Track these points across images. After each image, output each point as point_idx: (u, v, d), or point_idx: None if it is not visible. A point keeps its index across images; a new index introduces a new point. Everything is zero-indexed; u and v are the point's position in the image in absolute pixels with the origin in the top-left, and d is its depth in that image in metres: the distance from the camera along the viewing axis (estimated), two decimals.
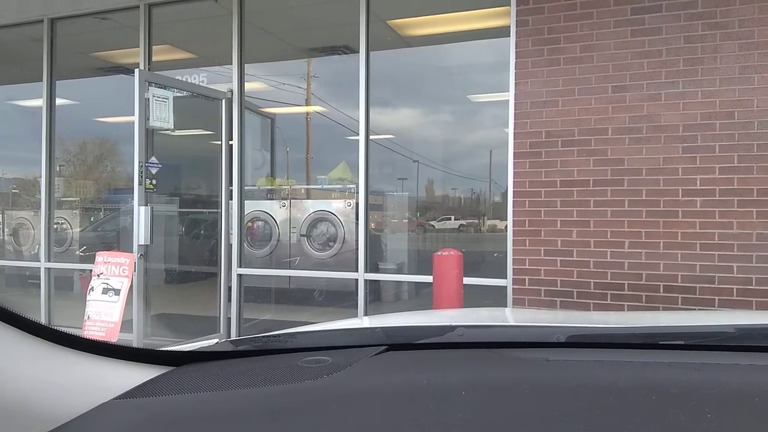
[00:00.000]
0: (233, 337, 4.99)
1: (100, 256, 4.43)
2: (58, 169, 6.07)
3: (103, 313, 4.26)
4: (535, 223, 4.13)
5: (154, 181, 4.59)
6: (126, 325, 4.37)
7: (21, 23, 5.98)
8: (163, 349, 0.89)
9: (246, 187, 5.28)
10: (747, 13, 3.72)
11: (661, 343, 0.92)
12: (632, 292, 3.91)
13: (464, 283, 3.71)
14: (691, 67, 3.82)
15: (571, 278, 4.03)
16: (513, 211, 4.20)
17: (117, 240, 6.14)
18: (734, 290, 3.72)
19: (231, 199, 5.20)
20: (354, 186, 4.93)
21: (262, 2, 5.24)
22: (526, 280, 4.15)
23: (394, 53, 5.23)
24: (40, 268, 5.89)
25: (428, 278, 3.96)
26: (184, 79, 5.34)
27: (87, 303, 4.35)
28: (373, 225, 4.99)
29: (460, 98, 5.09)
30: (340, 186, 5.23)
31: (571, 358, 0.84)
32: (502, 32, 4.35)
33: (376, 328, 1.21)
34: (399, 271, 5.12)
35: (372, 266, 4.84)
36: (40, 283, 5.88)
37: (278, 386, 0.77)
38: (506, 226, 4.29)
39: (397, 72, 5.23)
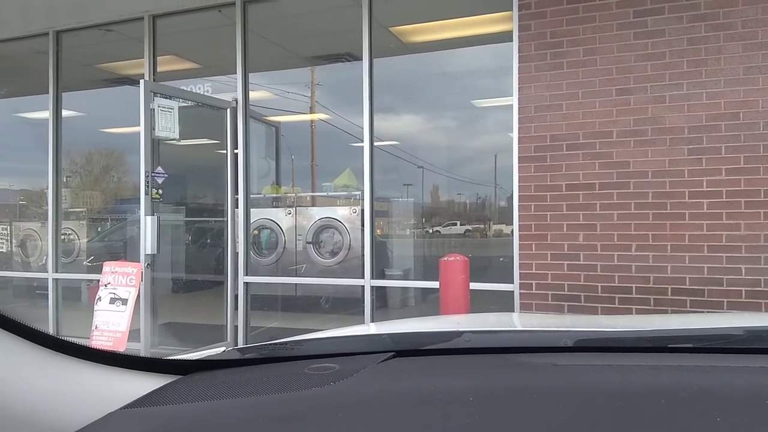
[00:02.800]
0: (240, 345, 4.99)
1: (108, 266, 4.45)
2: (65, 180, 6.11)
3: (111, 323, 4.27)
4: (541, 228, 4.12)
5: (160, 191, 4.61)
6: (133, 334, 4.38)
7: (27, 36, 6.03)
8: (171, 358, 0.89)
9: (252, 196, 5.29)
10: (750, 13, 3.71)
11: (670, 346, 0.92)
12: (640, 296, 3.89)
13: (471, 288, 3.70)
14: (695, 69, 3.81)
15: (578, 282, 4.02)
16: (519, 215, 4.19)
17: (124, 250, 6.16)
18: (743, 292, 3.69)
19: (237, 207, 5.22)
20: (359, 193, 4.93)
21: (265, 11, 5.27)
22: (533, 284, 4.13)
23: (397, 60, 5.24)
24: (47, 278, 5.92)
25: (435, 284, 3.96)
26: (189, 89, 5.37)
27: (94, 313, 4.36)
28: (378, 231, 4.99)
29: (463, 103, 5.09)
30: (345, 193, 5.24)
31: (579, 363, 0.84)
32: (505, 37, 4.36)
33: (383, 334, 1.21)
34: (405, 277, 5.11)
35: (378, 273, 4.84)
36: (48, 294, 5.90)
37: (285, 394, 0.77)
38: (512, 231, 4.28)
39: (401, 78, 5.24)
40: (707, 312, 3.70)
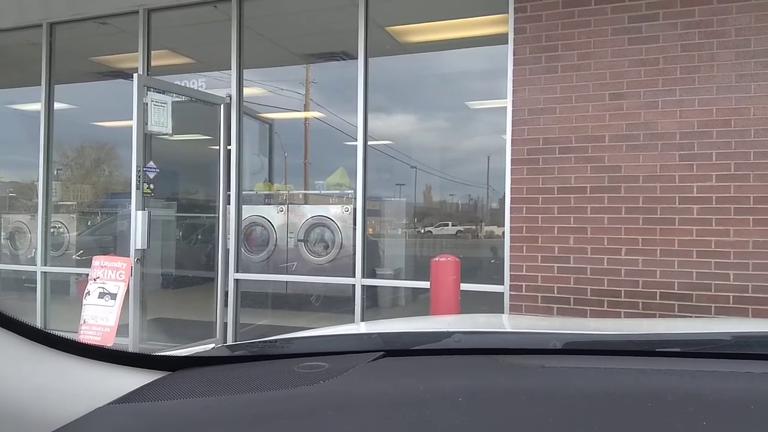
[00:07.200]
0: (230, 342, 4.97)
1: (97, 261, 4.42)
2: (55, 173, 6.07)
3: (99, 318, 4.24)
4: (532, 230, 4.13)
5: (151, 186, 4.59)
6: (122, 329, 4.35)
7: (20, 27, 5.98)
8: (160, 353, 0.88)
9: (244, 192, 5.28)
10: (743, 21, 3.74)
11: (657, 350, 0.92)
12: (629, 299, 3.91)
13: (461, 289, 3.71)
14: (688, 75, 3.83)
15: (568, 285, 4.04)
16: (510, 217, 4.20)
17: (114, 244, 6.12)
18: (730, 298, 3.72)
19: (229, 203, 5.20)
20: (352, 191, 4.93)
21: (261, 8, 5.25)
22: (523, 286, 4.15)
23: (393, 60, 5.24)
24: (36, 271, 5.88)
25: (425, 284, 3.96)
26: (182, 84, 5.34)
27: (83, 307, 4.33)
28: (370, 230, 4.99)
29: (457, 105, 5.10)
30: (337, 191, 5.23)
31: (567, 365, 0.84)
32: (500, 39, 4.36)
33: (373, 333, 1.21)
34: (396, 276, 5.11)
35: (369, 272, 4.84)
36: (36, 287, 5.86)
37: (274, 392, 0.77)
38: (503, 233, 4.30)
39: (396, 78, 5.25)
40: (695, 317, 3.73)
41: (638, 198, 3.92)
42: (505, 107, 4.24)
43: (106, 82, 6.24)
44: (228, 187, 5.19)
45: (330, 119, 5.40)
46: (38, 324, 5.72)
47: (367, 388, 0.78)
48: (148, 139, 4.63)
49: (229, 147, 5.19)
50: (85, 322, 4.27)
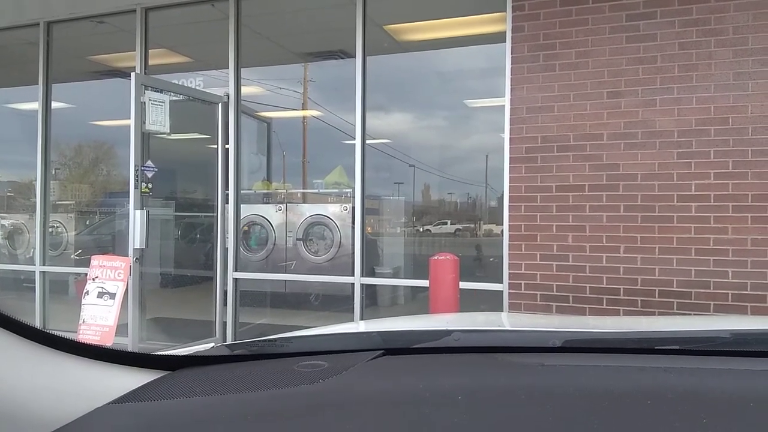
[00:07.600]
0: (229, 341, 4.97)
1: (96, 260, 4.41)
2: (53, 172, 6.05)
3: (99, 317, 4.24)
4: (530, 228, 4.14)
5: (149, 185, 4.58)
6: (121, 329, 4.35)
7: (17, 26, 5.97)
8: (159, 353, 0.88)
9: (242, 191, 5.27)
10: (741, 20, 3.74)
11: (656, 348, 0.93)
12: (628, 297, 3.92)
13: (460, 287, 3.71)
14: (686, 74, 3.84)
15: (566, 283, 4.04)
16: (509, 215, 4.21)
17: (112, 244, 6.12)
18: (729, 295, 3.73)
19: (227, 202, 5.20)
20: (350, 190, 4.93)
21: (258, 7, 5.24)
22: (522, 284, 4.15)
23: (391, 58, 5.24)
24: (35, 271, 5.87)
25: (424, 282, 3.97)
26: (180, 83, 5.34)
27: (82, 307, 4.33)
28: (369, 229, 4.99)
29: (456, 103, 5.10)
30: (336, 190, 5.23)
31: (566, 363, 0.84)
32: (498, 38, 4.36)
33: (373, 332, 1.21)
34: (395, 275, 5.11)
35: (368, 270, 4.84)
36: (35, 287, 5.85)
37: (274, 391, 0.77)
38: (502, 231, 4.30)
39: (394, 77, 5.24)
40: (694, 314, 3.73)
41: (636, 196, 3.92)
42: (504, 105, 4.24)
43: (103, 81, 6.23)
44: (226, 186, 5.19)
45: (328, 118, 5.40)
46: (37, 324, 5.71)
47: (367, 386, 0.78)
48: (146, 138, 4.63)
49: (227, 146, 5.18)
50: (84, 321, 4.27)
